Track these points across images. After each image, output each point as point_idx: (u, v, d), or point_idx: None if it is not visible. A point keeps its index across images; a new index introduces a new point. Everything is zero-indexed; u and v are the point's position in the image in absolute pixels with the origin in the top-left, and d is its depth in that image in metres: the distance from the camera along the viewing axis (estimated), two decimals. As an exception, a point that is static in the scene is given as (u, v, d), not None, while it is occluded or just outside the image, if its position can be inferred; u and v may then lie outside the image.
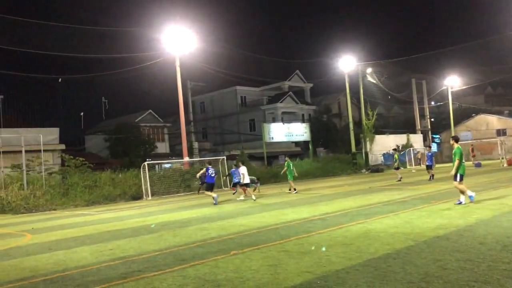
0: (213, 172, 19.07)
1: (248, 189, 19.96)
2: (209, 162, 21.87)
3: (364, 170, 41.20)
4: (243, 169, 19.32)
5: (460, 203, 12.03)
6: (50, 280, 6.75)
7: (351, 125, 44.76)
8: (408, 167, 45.40)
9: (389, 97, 57.91)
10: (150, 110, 51.63)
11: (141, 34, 45.70)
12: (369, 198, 15.96)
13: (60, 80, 35.03)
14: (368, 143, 46.00)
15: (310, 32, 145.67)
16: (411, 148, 49.05)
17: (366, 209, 12.58)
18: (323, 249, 7.44)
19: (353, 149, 43.97)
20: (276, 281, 5.74)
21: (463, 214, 10.29)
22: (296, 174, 22.73)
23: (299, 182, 32.50)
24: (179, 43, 31.76)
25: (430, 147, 28.79)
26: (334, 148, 52.55)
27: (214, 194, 18.49)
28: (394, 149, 28.95)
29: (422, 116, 59.38)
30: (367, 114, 46.65)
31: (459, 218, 9.74)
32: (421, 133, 56.99)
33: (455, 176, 12.13)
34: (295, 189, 21.64)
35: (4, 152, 25.61)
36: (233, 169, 21.68)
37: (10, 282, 6.83)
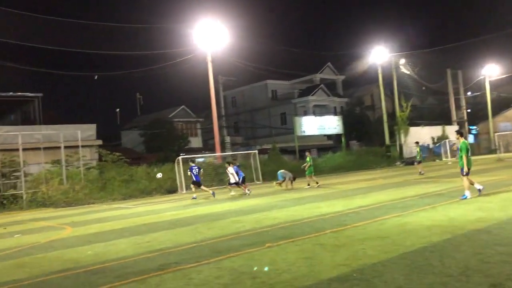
0: (197, 170, 20.14)
1: (243, 185, 20.79)
2: (192, 161, 22.42)
3: (398, 163, 40.52)
4: (231, 169, 20.43)
5: (465, 197, 11.93)
6: (90, 271, 6.98)
7: (384, 117, 44.06)
8: (443, 159, 44.39)
9: (424, 88, 56.59)
10: (183, 106, 52.30)
11: (174, 30, 46.22)
12: (404, 191, 15.71)
13: (96, 77, 35.91)
14: (402, 135, 45.20)
15: (342, 23, 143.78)
16: (447, 140, 47.87)
17: (402, 202, 12.39)
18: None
19: (387, 141, 43.30)
20: (312, 273, 5.75)
21: (504, 207, 10.00)
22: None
23: (332, 175, 32.30)
24: (210, 38, 31.97)
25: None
26: (367, 141, 51.87)
27: (195, 194, 19.77)
28: (416, 142, 28.26)
29: (458, 107, 57.78)
30: (401, 106, 45.79)
31: (499, 211, 9.48)
32: (457, 124, 55.50)
33: (462, 170, 12.11)
34: (317, 183, 21.61)
35: (44, 148, 26.47)
36: (235, 167, 21.65)
37: (53, 272, 7.10)
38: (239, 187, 20.81)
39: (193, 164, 20.83)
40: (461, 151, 12.21)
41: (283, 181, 22.00)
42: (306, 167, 22.10)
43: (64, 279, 6.58)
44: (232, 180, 20.45)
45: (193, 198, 19.74)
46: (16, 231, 13.51)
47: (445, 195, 13.20)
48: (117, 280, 6.22)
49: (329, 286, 5.14)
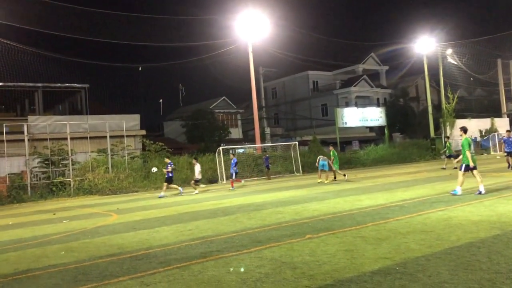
0: (171, 167, 20.04)
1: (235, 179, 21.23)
2: (168, 157, 22.53)
3: (443, 156, 39.32)
4: (197, 167, 20.51)
5: (480, 193, 11.80)
6: (135, 257, 7.18)
7: (430, 109, 42.86)
8: (492, 152, 42.75)
9: (472, 79, 54.48)
10: (224, 97, 52.72)
11: (216, 22, 46.57)
12: (449, 185, 15.23)
13: (140, 68, 36.69)
14: (448, 128, 43.80)
15: (387, 12, 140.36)
16: (496, 133, 46.05)
17: (447, 196, 12.04)
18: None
19: (432, 134, 42.12)
20: (353, 266, 5.69)
21: (557, 203, 9.54)
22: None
23: (374, 168, 31.78)
24: (251, 29, 31.98)
25: (509, 131, 23.22)
26: (411, 133, 50.64)
27: (162, 193, 19.40)
28: (447, 137, 27.28)
29: (509, 98, 55.37)
30: (447, 97, 44.33)
31: (552, 208, 9.05)
32: (508, 117, 53.21)
33: (466, 166, 12.11)
34: (344, 175, 21.14)
35: (91, 138, 27.40)
36: (235, 159, 21.88)
37: (100, 257, 7.36)
38: (236, 180, 21.42)
39: (169, 161, 20.63)
40: (463, 147, 12.17)
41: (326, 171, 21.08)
42: (332, 161, 21.25)
43: (109, 264, 6.81)
44: (199, 177, 20.57)
45: (160, 196, 19.07)
46: (64, 217, 14.09)
47: (493, 190, 12.71)
48: (161, 266, 6.38)
49: (371, 279, 5.07)
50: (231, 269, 5.93)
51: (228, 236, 8.41)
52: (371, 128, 51.67)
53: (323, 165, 20.87)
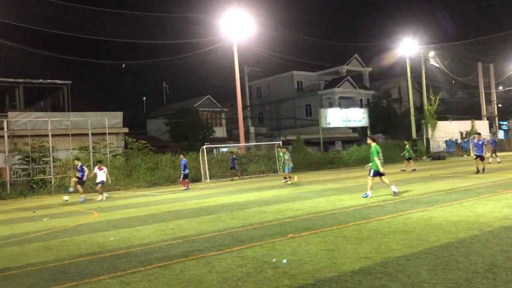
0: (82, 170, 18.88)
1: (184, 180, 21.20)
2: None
3: (425, 157, 39.88)
4: (101, 172, 18.79)
5: (395, 193, 12.79)
6: (116, 255, 7.12)
7: (412, 111, 43.36)
8: (471, 154, 43.42)
9: (453, 81, 55.27)
10: (209, 96, 52.55)
11: (201, 20, 46.40)
12: (430, 185, 15.46)
13: (123, 65, 36.36)
14: (429, 129, 44.39)
15: (370, 15, 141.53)
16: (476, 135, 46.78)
17: (427, 197, 12.20)
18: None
19: (414, 135, 42.63)
20: (334, 265, 5.73)
21: (534, 205, 9.74)
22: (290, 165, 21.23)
23: (356, 168, 32.02)
24: (236, 28, 31.95)
25: (479, 134, 22.45)
26: (393, 134, 51.16)
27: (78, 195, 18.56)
28: (407, 139, 27.63)
29: (489, 101, 56.33)
30: (429, 99, 44.90)
31: (529, 209, 9.23)
32: (487, 119, 54.15)
33: (375, 172, 12.92)
34: (286, 178, 21.24)
35: (72, 135, 27.06)
36: (185, 160, 21.54)
37: (81, 256, 7.28)
38: (183, 182, 21.24)
39: (80, 163, 19.41)
40: (372, 154, 12.95)
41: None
42: (282, 163, 21.51)
43: (90, 263, 6.74)
44: (99, 180, 18.73)
45: (65, 200, 18.19)
46: (44, 215, 13.90)
47: (473, 191, 12.93)
48: (142, 265, 6.33)
49: (352, 279, 5.11)
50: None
51: (210, 235, 8.39)
52: (354, 129, 52.09)
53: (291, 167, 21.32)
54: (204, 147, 28.26)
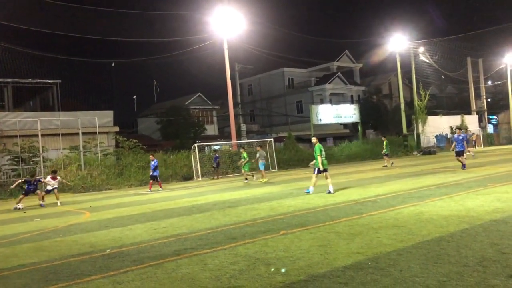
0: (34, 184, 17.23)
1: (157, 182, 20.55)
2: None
3: (415, 152, 40.14)
4: (50, 181, 17.40)
5: (330, 192, 13.33)
6: (108, 255, 7.09)
7: (402, 106, 43.57)
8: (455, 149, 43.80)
9: (443, 76, 55.64)
10: (200, 93, 52.39)
11: (191, 17, 46.25)
12: (421, 180, 15.56)
13: (113, 64, 36.13)
14: (420, 125, 44.66)
15: (360, 11, 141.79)
16: (466, 130, 47.18)
17: (418, 192, 12.29)
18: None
19: (404, 130, 42.86)
20: (327, 261, 5.75)
21: (523, 198, 9.84)
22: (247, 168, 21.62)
23: (348, 164, 32.15)
24: (227, 25, 31.86)
25: (459, 129, 22.18)
26: (384, 130, 51.39)
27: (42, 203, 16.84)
28: (384, 136, 27.65)
29: (478, 96, 56.78)
30: (419, 95, 45.17)
31: (518, 202, 9.33)
32: (477, 114, 54.62)
33: (318, 169, 13.62)
34: (251, 176, 21.56)
35: (62, 134, 26.86)
36: (155, 161, 20.76)
37: (71, 256, 7.24)
38: (155, 182, 20.68)
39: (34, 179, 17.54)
40: (315, 153, 13.58)
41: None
42: (243, 163, 21.58)
43: (81, 263, 6.70)
44: (49, 188, 17.39)
45: (41, 205, 16.75)
46: (35, 215, 13.80)
47: (463, 185, 13.04)
48: (134, 264, 6.31)
49: (344, 274, 5.14)
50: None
51: (203, 233, 8.38)
52: (345, 125, 52.24)
53: (262, 165, 21.63)
54: (196, 145, 28.19)
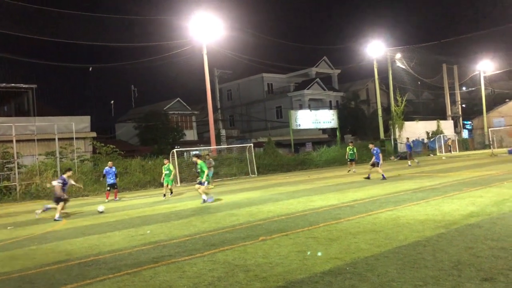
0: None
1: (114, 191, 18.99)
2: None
3: (392, 157, 40.65)
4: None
5: (204, 201, 14.59)
6: (84, 263, 6.97)
7: (379, 112, 44.14)
8: (438, 154, 44.58)
9: (419, 82, 56.69)
10: (178, 98, 52.10)
11: (169, 22, 46.06)
12: (398, 185, 15.78)
13: (90, 69, 35.70)
14: (397, 130, 45.33)
15: (338, 17, 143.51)
16: (442, 135, 48.12)
17: (395, 196, 12.44)
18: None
19: (382, 136, 43.41)
20: (305, 267, 5.77)
21: (496, 202, 10.07)
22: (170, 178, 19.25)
23: (326, 169, 32.38)
24: (206, 30, 31.84)
25: (372, 143, 22.24)
26: (362, 135, 51.99)
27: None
28: (351, 142, 27.75)
29: (453, 102, 57.99)
30: (396, 100, 45.88)
31: (492, 206, 9.54)
32: (452, 119, 55.74)
33: (202, 182, 14.90)
34: (168, 193, 19.21)
35: (38, 140, 26.34)
36: (107, 169, 19.11)
37: (47, 264, 7.09)
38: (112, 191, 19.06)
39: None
40: (202, 167, 14.83)
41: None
42: (163, 177, 19.14)
43: (57, 271, 6.57)
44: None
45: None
46: (9, 223, 13.46)
47: (439, 190, 13.27)
48: (111, 272, 6.22)
49: (322, 280, 5.16)
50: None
51: (181, 240, 8.31)
52: (323, 130, 52.64)
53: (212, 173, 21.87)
54: (174, 150, 28.00)
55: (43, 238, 9.96)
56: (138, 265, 6.49)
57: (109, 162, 20.05)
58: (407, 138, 32.48)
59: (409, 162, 28.10)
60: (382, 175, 18.93)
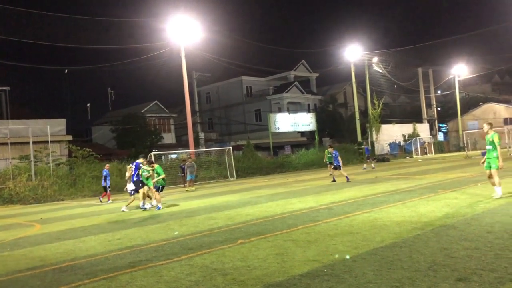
0: None
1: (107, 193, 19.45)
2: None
3: (365, 166, 41.09)
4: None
5: (151, 207, 14.62)
6: (59, 269, 6.82)
7: (357, 115, 44.63)
8: (414, 156, 45.28)
9: (396, 86, 57.58)
10: (156, 101, 51.69)
11: (147, 24, 45.65)
12: (375, 187, 15.94)
13: (66, 71, 35.12)
14: (374, 133, 45.90)
15: (316, 22, 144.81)
16: (418, 138, 48.92)
17: (372, 199, 12.57)
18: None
19: (359, 138, 43.88)
20: (283, 269, 5.77)
21: (471, 204, 10.25)
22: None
23: (305, 171, 32.53)
24: (184, 33, 31.67)
25: (331, 146, 22.64)
26: (340, 138, 52.47)
27: None
28: (330, 146, 27.73)
29: (429, 105, 59.06)
30: (373, 104, 46.48)
31: (466, 207, 9.71)
32: (428, 122, 56.75)
33: (157, 187, 14.70)
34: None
35: (12, 143, 25.78)
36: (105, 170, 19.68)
37: (20, 271, 6.91)
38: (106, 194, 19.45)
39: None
40: (159, 174, 14.53)
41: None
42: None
43: (30, 278, 6.42)
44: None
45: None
46: (-19, 229, 13.11)
47: (415, 192, 13.46)
48: (86, 277, 6.10)
49: (300, 282, 5.16)
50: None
51: (159, 244, 8.22)
52: (302, 133, 52.94)
53: (191, 176, 22.52)
54: (152, 153, 27.74)
55: (15, 244, 9.72)
56: (115, 270, 6.39)
57: (107, 165, 20.95)
58: (364, 142, 33.50)
59: (364, 165, 28.99)
60: (346, 177, 19.38)
